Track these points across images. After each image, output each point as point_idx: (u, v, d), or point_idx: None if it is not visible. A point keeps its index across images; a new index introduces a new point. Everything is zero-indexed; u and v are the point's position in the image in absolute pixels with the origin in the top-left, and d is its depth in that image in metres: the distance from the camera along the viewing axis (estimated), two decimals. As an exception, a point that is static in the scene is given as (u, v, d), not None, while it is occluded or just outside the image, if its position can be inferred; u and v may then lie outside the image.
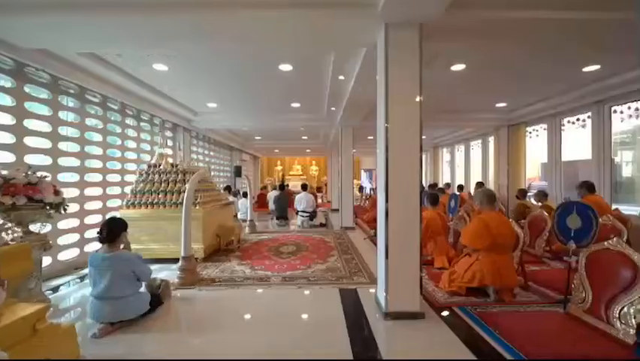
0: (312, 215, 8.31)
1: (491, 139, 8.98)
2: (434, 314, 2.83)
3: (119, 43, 3.29)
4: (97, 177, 4.99)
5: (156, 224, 4.65)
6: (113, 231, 2.57)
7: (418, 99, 2.69)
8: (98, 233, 2.55)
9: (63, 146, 4.38)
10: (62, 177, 4.33)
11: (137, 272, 2.65)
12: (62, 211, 3.27)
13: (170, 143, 7.51)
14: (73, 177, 4.54)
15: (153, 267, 4.55)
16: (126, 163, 5.76)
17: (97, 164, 4.98)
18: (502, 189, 8.01)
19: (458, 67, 4.26)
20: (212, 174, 10.54)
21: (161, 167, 5.11)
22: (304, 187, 8.74)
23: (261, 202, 13.32)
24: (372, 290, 3.41)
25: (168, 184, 4.93)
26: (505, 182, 7.87)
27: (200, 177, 4.29)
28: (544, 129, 7.69)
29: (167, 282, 3.25)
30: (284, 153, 18.23)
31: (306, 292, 3.46)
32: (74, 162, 4.56)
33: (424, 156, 14.90)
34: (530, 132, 7.73)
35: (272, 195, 10.35)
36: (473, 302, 3.06)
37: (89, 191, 4.82)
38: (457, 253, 4.45)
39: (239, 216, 8.87)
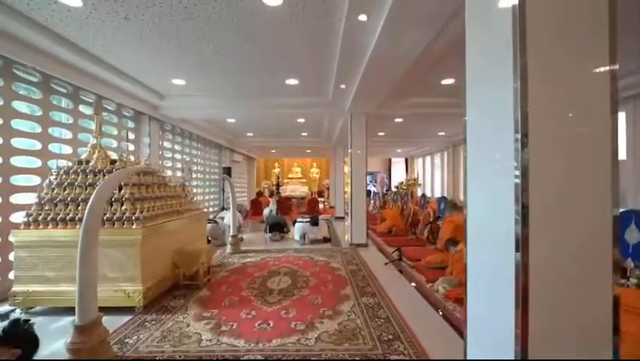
0: (314, 219, 6.62)
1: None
2: None
3: None
4: (-10, 179, 3.32)
5: (70, 253, 2.94)
6: None
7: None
8: None
9: None
10: None
11: None
12: None
13: (131, 136, 5.86)
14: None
15: (60, 323, 2.83)
16: (52, 160, 4.08)
17: (-11, 159, 3.32)
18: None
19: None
20: (197, 176, 8.90)
21: (91, 164, 3.42)
22: None
23: (255, 209, 11.69)
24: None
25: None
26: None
27: (123, 178, 2.63)
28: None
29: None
30: (282, 154, 16.52)
31: (306, 403, 1.76)
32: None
33: (438, 160, 13.20)
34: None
35: (267, 212, 8.74)
36: None
37: (-27, 200, 3.15)
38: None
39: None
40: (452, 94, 5.40)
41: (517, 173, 1.03)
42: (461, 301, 3.13)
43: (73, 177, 3.30)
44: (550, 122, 1.04)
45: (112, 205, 3.13)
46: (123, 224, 3.01)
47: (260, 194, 13.96)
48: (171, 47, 3.61)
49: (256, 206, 11.90)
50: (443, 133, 9.82)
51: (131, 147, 5.83)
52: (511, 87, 1.05)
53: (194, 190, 8.32)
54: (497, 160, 1.14)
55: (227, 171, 10.49)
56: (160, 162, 6.47)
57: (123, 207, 3.11)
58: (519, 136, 1.02)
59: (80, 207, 3.11)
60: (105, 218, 3.00)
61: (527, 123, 1.02)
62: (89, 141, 4.60)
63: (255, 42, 3.47)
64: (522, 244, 1.01)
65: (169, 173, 7.02)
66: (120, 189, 3.24)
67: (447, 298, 3.19)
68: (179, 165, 7.61)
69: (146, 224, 3.08)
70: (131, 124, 5.87)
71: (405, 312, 2.90)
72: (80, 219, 3.01)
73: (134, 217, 3.01)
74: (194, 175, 8.66)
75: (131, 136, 5.86)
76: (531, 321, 1.01)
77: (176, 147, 7.62)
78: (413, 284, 3.77)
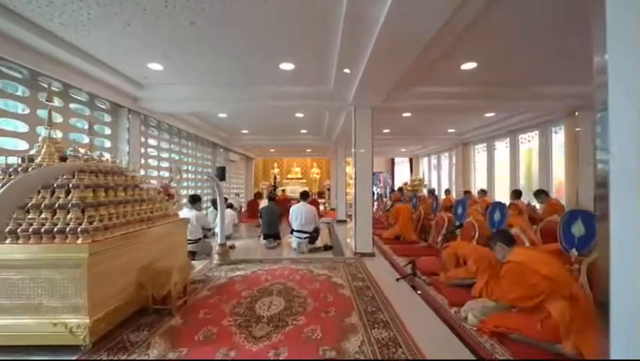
0: (313, 236, 5.85)
1: (558, 129, 6.63)
2: None
3: None
4: None
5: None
6: None
7: None
8: None
9: None
10: None
11: None
12: None
13: (108, 131, 5.19)
14: None
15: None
16: (1, 157, 3.42)
17: None
18: (583, 195, 5.61)
19: None
20: (187, 176, 8.25)
21: (37, 161, 2.76)
22: (304, 196, 6.30)
23: (251, 212, 11.01)
24: None
25: (39, 193, 2.58)
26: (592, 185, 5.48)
27: (46, 178, 1.98)
28: None
29: None
30: (281, 154, 15.83)
31: None
32: None
33: (445, 159, 12.49)
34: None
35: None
36: None
37: None
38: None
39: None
40: (471, 82, 4.73)
41: None
42: (501, 335, 2.45)
43: (12, 177, 2.64)
44: None
45: (55, 213, 2.48)
46: (66, 238, 2.35)
47: (258, 195, 13.26)
48: (136, 18, 2.94)
49: (253, 209, 11.23)
50: (453, 130, 9.15)
51: (107, 144, 5.19)
52: None
53: (184, 192, 7.67)
54: None
55: (222, 170, 9.78)
56: (142, 161, 5.82)
57: (69, 216, 2.45)
58: None
59: (14, 215, 2.45)
60: (43, 230, 2.34)
61: None
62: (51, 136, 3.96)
63: (236, 10, 2.80)
64: None
65: (154, 173, 6.38)
66: (68, 192, 2.58)
67: (481, 332, 2.51)
68: (166, 165, 6.95)
69: (97, 237, 2.42)
70: (107, 118, 5.22)
71: (430, 353, 2.23)
72: (13, 231, 2.36)
73: (79, 229, 2.34)
74: (184, 175, 8.01)
75: (108, 131, 5.21)
76: None
77: (163, 145, 6.96)
78: (423, 297, 3.09)
